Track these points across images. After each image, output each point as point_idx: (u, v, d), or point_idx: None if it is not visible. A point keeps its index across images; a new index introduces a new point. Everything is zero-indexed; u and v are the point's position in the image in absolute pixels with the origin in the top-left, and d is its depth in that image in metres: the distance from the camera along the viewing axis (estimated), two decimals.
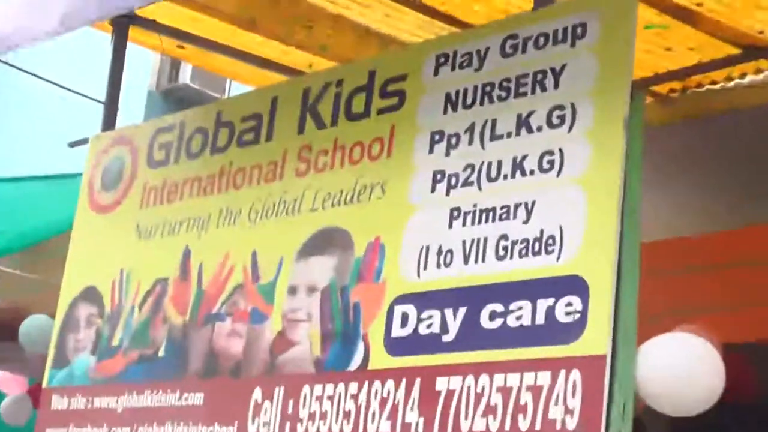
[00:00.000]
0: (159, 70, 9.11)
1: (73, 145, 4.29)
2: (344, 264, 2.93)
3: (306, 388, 2.86)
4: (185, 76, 9.03)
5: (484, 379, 2.50)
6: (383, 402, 2.67)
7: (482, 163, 2.73)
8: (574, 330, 2.43)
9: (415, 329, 2.70)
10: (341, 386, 2.76)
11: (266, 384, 2.98)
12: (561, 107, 2.62)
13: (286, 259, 3.10)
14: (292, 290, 3.07)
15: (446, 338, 2.63)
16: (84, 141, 4.10)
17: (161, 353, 3.38)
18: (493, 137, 2.73)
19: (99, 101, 5.11)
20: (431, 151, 2.84)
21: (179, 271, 3.43)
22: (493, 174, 2.70)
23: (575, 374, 2.38)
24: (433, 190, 2.80)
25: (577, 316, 2.43)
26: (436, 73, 2.92)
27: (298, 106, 3.27)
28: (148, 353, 3.43)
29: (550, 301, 2.48)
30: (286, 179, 3.21)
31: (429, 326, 2.67)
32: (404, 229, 2.82)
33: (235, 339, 3.18)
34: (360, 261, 2.88)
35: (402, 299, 2.76)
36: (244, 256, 3.24)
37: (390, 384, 2.66)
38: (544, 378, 2.42)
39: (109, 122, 4.08)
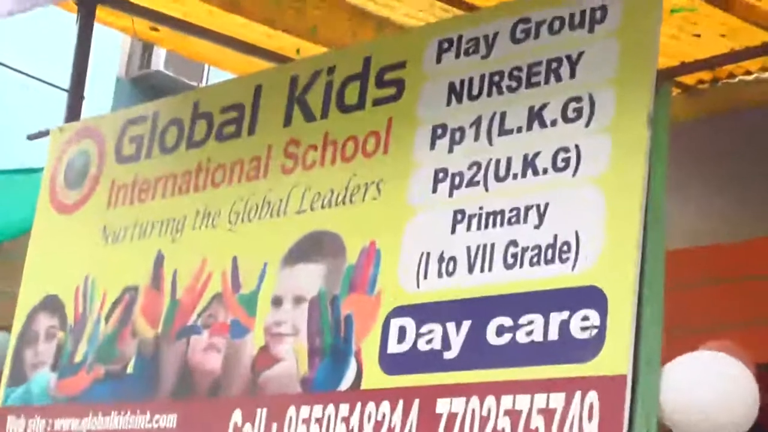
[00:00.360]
0: (129, 55, 9.07)
1: (32, 137, 4.25)
2: (335, 272, 2.92)
3: (291, 410, 2.84)
4: (158, 61, 9.00)
5: (490, 401, 2.48)
6: (378, 426, 2.65)
7: (489, 160, 2.71)
8: (591, 347, 2.41)
9: (414, 345, 2.68)
10: (331, 408, 2.74)
11: (247, 405, 2.95)
12: (578, 99, 2.60)
13: (270, 267, 3.08)
14: (277, 301, 3.05)
15: (448, 355, 2.61)
16: (45, 133, 4.07)
17: (130, 370, 3.35)
18: (502, 132, 2.71)
19: (63, 89, 5.08)
20: (433, 146, 2.82)
21: (151, 279, 3.41)
22: (502, 173, 2.68)
23: (592, 396, 2.36)
24: (434, 190, 2.78)
25: (595, 331, 2.41)
26: (438, 60, 2.90)
27: (284, 96, 3.25)
28: (115, 370, 3.40)
29: (565, 314, 2.47)
30: (271, 177, 3.19)
31: (429, 342, 2.65)
32: (402, 234, 2.80)
33: (212, 354, 3.16)
34: (352, 268, 2.86)
35: (399, 311, 2.74)
36: (224, 263, 3.21)
37: (385, 406, 2.64)
38: (557, 400, 2.40)
39: (73, 112, 4.06)
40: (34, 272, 3.80)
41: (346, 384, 2.73)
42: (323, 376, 2.80)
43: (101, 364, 3.42)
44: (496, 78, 2.74)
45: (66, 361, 3.53)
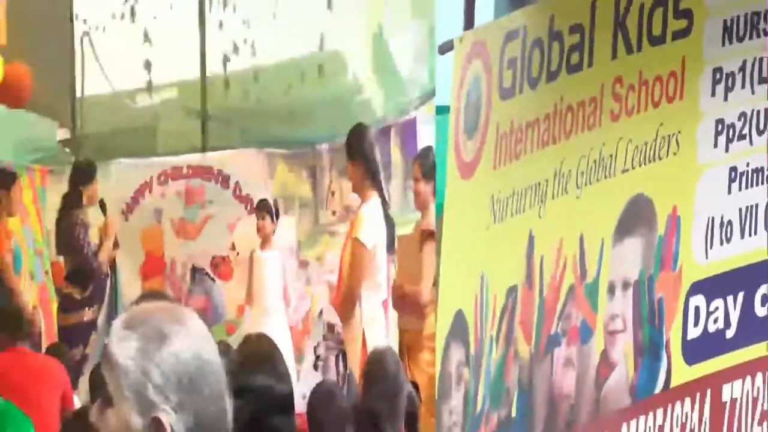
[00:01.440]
0: None
1: (444, 50, 6.88)
2: (649, 247, 5.54)
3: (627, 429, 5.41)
4: None
5: (758, 379, 4.98)
6: (682, 429, 5.07)
7: (753, 111, 5.15)
8: None
9: (705, 327, 5.27)
10: (650, 418, 5.27)
11: None
12: None
13: (606, 244, 5.73)
14: (611, 289, 5.70)
15: (729, 334, 5.15)
16: (450, 46, 6.70)
17: (514, 412, 5.93)
18: (761, 80, 5.11)
19: None
20: (713, 93, 5.31)
21: (525, 273, 6.14)
22: (762, 125, 5.12)
23: None
24: (715, 144, 5.30)
25: None
26: None
27: (611, 17, 5.72)
28: (503, 416, 5.97)
29: None
30: (604, 125, 5.74)
31: (715, 321, 5.24)
32: (695, 196, 5.27)
33: (569, 372, 5.69)
34: (661, 241, 5.43)
35: (694, 288, 5.31)
36: (574, 243, 5.91)
37: (687, 404, 5.13)
38: None
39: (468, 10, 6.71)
40: (448, 274, 6.72)
41: (659, 385, 5.34)
42: (644, 380, 5.40)
43: (494, 410, 6.02)
44: (755, 19, 5.11)
45: (471, 414, 6.18)
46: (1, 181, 13.06)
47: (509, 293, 6.10)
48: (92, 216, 14.00)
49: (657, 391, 5.28)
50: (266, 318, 13.53)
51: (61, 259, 14.42)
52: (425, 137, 13.06)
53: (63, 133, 16.41)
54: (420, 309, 10.21)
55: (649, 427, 5.28)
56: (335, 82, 15.21)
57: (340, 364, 9.30)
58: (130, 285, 15.43)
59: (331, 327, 9.48)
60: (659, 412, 5.27)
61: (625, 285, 5.49)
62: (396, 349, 9.95)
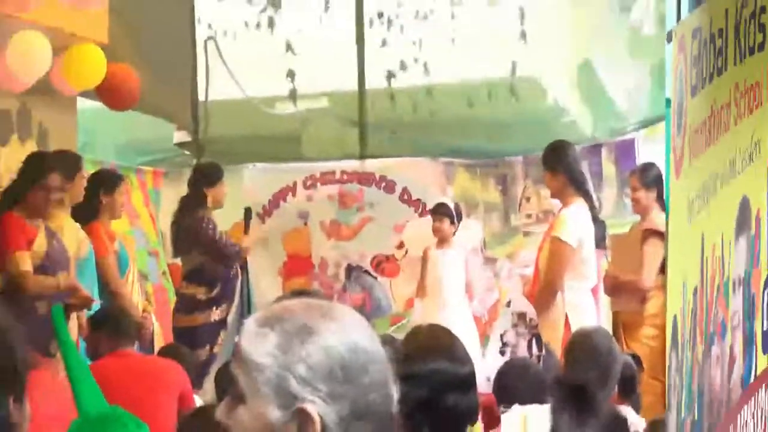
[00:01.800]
0: None
1: (669, 39, 7.88)
2: (749, 245, 6.20)
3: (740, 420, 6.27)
4: None
5: None
6: (762, 416, 5.89)
7: None
8: None
9: None
10: (748, 409, 6.02)
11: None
12: None
13: (732, 244, 6.49)
14: (734, 286, 6.60)
15: None
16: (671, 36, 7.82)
17: (696, 416, 6.96)
18: None
19: None
20: None
21: (700, 274, 7.18)
22: None
23: None
24: None
25: None
26: None
27: (734, 23, 6.63)
28: (690, 421, 7.04)
29: None
30: (731, 129, 6.67)
31: None
32: (766, 198, 5.95)
33: (717, 368, 6.72)
34: (752, 240, 6.12)
35: (767, 284, 5.97)
36: (719, 243, 6.87)
37: (763, 391, 5.86)
38: None
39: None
40: (670, 280, 7.79)
41: (752, 376, 6.13)
42: (746, 372, 6.25)
43: (687, 416, 7.06)
44: None
45: (679, 422, 7.32)
46: (102, 183, 13.36)
47: (694, 295, 6.97)
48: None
49: (752, 380, 6.01)
50: (442, 311, 14.35)
51: (179, 260, 15.17)
52: (646, 155, 14.21)
53: (181, 136, 17.45)
54: (640, 293, 12.39)
55: (748, 417, 6.02)
56: (530, 103, 15.97)
57: (534, 347, 10.34)
58: (267, 285, 16.59)
59: (521, 316, 10.61)
60: (752, 401, 6.02)
61: (739, 282, 6.30)
62: (609, 328, 11.82)
